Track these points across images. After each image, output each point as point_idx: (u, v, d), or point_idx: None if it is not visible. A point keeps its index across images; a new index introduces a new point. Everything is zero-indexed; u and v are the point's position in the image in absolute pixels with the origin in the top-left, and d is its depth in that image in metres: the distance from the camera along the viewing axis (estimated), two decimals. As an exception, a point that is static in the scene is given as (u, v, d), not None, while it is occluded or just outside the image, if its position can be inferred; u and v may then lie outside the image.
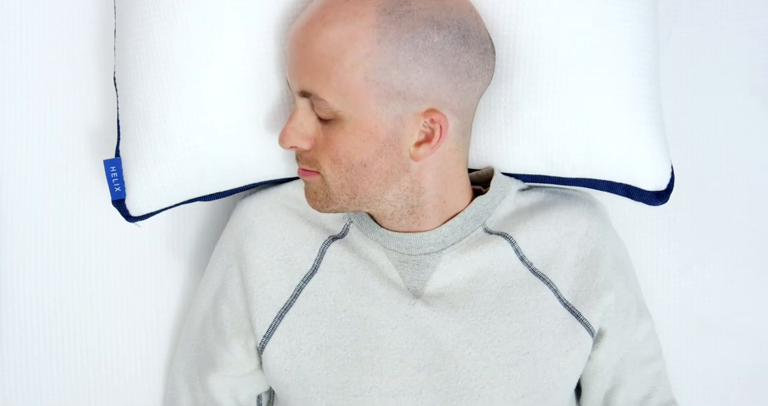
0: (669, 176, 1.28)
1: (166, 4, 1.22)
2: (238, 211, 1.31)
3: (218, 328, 1.28)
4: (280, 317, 1.23)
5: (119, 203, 1.30)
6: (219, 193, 1.33)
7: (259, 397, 1.36)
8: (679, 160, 1.41)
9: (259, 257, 1.25)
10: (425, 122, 1.13)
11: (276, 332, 1.23)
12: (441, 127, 1.13)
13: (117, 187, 1.29)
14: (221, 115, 1.24)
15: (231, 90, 1.23)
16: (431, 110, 1.13)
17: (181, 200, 1.32)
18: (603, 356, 1.27)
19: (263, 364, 1.25)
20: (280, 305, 1.24)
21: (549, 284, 1.22)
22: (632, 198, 1.29)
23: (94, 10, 1.38)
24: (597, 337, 1.26)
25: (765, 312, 1.43)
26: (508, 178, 1.27)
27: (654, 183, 1.27)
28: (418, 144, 1.14)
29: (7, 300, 1.39)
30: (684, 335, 1.43)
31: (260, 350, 1.25)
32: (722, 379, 1.43)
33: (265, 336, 1.24)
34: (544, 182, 1.30)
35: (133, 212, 1.30)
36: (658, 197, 1.28)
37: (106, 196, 1.40)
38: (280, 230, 1.26)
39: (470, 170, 1.31)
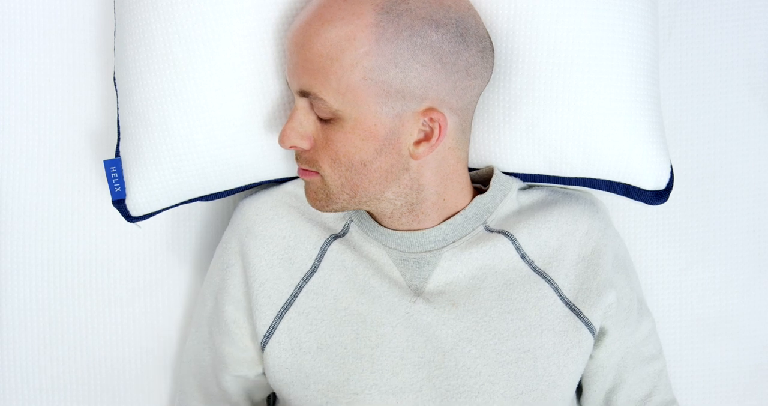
0: (668, 176, 1.28)
1: (165, 5, 1.22)
2: (240, 210, 1.31)
3: (225, 329, 1.28)
4: (280, 316, 1.24)
5: (119, 203, 1.30)
6: (219, 193, 1.34)
7: (268, 397, 1.36)
8: (679, 160, 1.41)
9: (259, 255, 1.25)
10: (424, 121, 1.14)
11: (276, 331, 1.23)
12: (440, 125, 1.13)
13: (117, 187, 1.29)
14: (221, 115, 1.24)
15: (231, 90, 1.23)
16: (430, 109, 1.13)
17: (182, 200, 1.32)
18: (604, 355, 1.27)
19: (264, 363, 1.25)
20: (280, 304, 1.24)
21: (550, 282, 1.22)
22: (632, 197, 1.29)
23: (94, 11, 1.39)
24: (599, 336, 1.26)
25: (765, 312, 1.43)
26: (508, 176, 1.27)
27: (653, 182, 1.27)
28: (418, 143, 1.15)
29: (7, 300, 1.39)
30: (684, 335, 1.43)
31: (261, 348, 1.25)
32: (723, 379, 1.43)
33: (265, 335, 1.24)
34: (543, 182, 1.31)
35: (134, 212, 1.31)
36: (658, 197, 1.28)
37: (107, 197, 1.41)
38: (280, 229, 1.26)
39: (470, 169, 1.31)
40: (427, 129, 1.14)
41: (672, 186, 1.29)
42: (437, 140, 1.14)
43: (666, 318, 1.42)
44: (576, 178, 1.29)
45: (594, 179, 1.29)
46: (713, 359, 1.43)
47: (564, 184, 1.30)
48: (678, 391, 1.42)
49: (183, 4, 1.22)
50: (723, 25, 1.41)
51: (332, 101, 1.12)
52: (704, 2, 1.41)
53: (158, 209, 1.32)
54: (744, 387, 1.43)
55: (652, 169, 1.26)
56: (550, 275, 1.22)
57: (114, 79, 1.32)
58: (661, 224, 1.42)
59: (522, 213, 1.25)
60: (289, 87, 1.23)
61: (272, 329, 1.24)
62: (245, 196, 1.34)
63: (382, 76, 1.10)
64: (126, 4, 1.26)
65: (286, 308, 1.24)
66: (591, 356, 1.27)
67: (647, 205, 1.34)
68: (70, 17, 1.38)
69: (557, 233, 1.24)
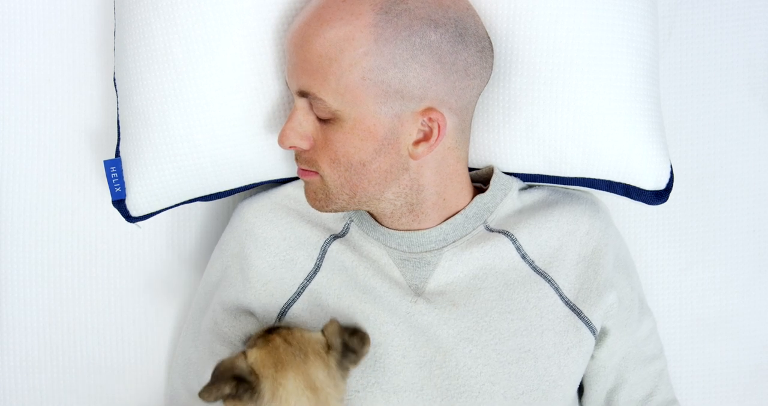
0: (668, 176, 1.28)
1: (165, 5, 1.22)
2: (238, 212, 1.31)
3: (215, 328, 1.28)
4: (282, 313, 1.24)
5: (119, 203, 1.30)
6: (219, 193, 1.34)
7: None
8: (679, 160, 1.41)
9: (261, 257, 1.25)
10: (423, 121, 1.14)
11: None
12: (439, 125, 1.14)
13: (117, 187, 1.29)
14: (221, 115, 1.24)
15: (231, 90, 1.24)
16: (429, 109, 1.13)
17: (182, 200, 1.32)
18: (606, 355, 1.27)
19: None
20: (283, 301, 1.24)
21: (550, 281, 1.22)
22: (631, 197, 1.29)
23: (94, 11, 1.39)
24: (600, 335, 1.26)
25: (765, 312, 1.43)
26: (508, 176, 1.28)
27: (653, 182, 1.27)
28: (417, 143, 1.15)
29: (7, 300, 1.39)
30: (684, 335, 1.43)
31: None
32: (723, 379, 1.43)
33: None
34: (543, 182, 1.30)
35: (134, 213, 1.31)
36: (658, 197, 1.28)
37: (107, 197, 1.40)
38: (280, 230, 1.26)
39: (470, 169, 1.31)
40: (426, 129, 1.14)
41: (672, 186, 1.29)
42: (436, 140, 1.14)
43: (666, 318, 1.42)
44: (576, 178, 1.29)
45: (594, 179, 1.29)
46: (713, 359, 1.43)
47: (564, 184, 1.30)
48: (678, 391, 1.42)
49: (184, 4, 1.22)
50: (723, 25, 1.41)
51: (331, 101, 1.12)
52: (704, 2, 1.41)
53: (158, 209, 1.32)
54: (744, 387, 1.43)
55: (652, 169, 1.26)
56: (550, 274, 1.22)
57: (114, 80, 1.32)
58: (661, 224, 1.42)
59: (523, 213, 1.25)
60: (288, 87, 1.23)
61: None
62: (244, 199, 1.34)
63: (380, 76, 1.10)
64: (126, 4, 1.26)
65: (288, 305, 1.24)
66: (592, 356, 1.27)
67: (647, 205, 1.34)
68: (70, 17, 1.38)
69: (558, 232, 1.24)
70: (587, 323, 1.22)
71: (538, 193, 1.28)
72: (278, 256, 1.25)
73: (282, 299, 1.24)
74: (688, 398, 1.43)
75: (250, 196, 1.34)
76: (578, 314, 1.22)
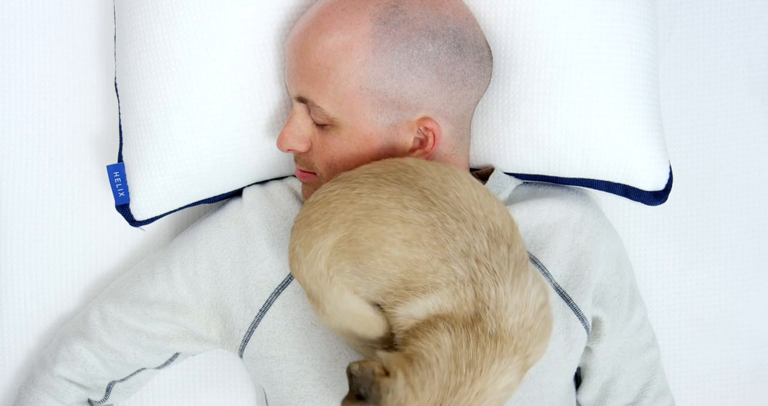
0: (667, 176, 1.28)
1: (166, 10, 1.22)
2: (247, 191, 1.30)
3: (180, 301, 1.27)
4: (277, 293, 1.23)
5: (123, 208, 1.31)
6: (221, 195, 1.34)
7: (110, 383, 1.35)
8: (678, 160, 1.41)
9: (260, 233, 1.25)
10: (419, 129, 1.14)
11: (272, 306, 1.23)
12: (434, 134, 1.14)
13: (121, 192, 1.29)
14: (224, 119, 1.25)
15: (233, 94, 1.24)
16: (425, 118, 1.13)
17: (185, 204, 1.33)
18: (604, 346, 1.28)
19: (253, 338, 1.24)
20: (278, 282, 1.23)
21: (541, 267, 1.22)
22: (630, 198, 1.29)
23: (95, 12, 1.38)
24: (595, 327, 1.26)
25: (765, 312, 1.43)
26: (507, 175, 1.28)
27: (652, 183, 1.27)
28: (412, 150, 1.15)
29: (7, 301, 1.40)
30: (684, 335, 1.43)
31: (257, 322, 1.24)
32: (722, 379, 1.44)
33: (261, 310, 1.24)
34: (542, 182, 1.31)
35: (138, 217, 1.31)
36: (657, 197, 1.28)
37: (107, 197, 1.40)
38: (284, 210, 1.26)
39: (472, 170, 1.31)
40: (422, 137, 1.15)
41: (671, 186, 1.28)
42: (431, 149, 1.15)
43: (666, 318, 1.42)
44: (575, 178, 1.29)
45: (593, 180, 1.29)
46: (713, 359, 1.43)
47: (563, 184, 1.30)
48: (678, 391, 1.43)
49: (185, 9, 1.22)
50: (723, 25, 1.41)
51: (328, 109, 1.13)
52: (704, 2, 1.40)
53: (162, 212, 1.32)
54: (744, 387, 1.44)
55: (651, 169, 1.26)
56: (540, 260, 1.22)
57: (115, 85, 1.33)
58: (661, 224, 1.43)
59: (515, 203, 1.25)
60: (288, 92, 1.23)
61: (268, 304, 1.23)
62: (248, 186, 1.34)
63: (378, 85, 1.11)
64: (127, 9, 1.26)
65: (283, 286, 1.23)
66: (589, 349, 1.28)
67: (646, 205, 1.34)
68: (71, 22, 1.38)
69: (549, 220, 1.24)
70: (576, 311, 1.22)
71: (532, 187, 1.29)
72: (277, 235, 1.24)
73: (277, 280, 1.23)
74: (688, 398, 1.43)
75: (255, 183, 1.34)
76: (567, 300, 1.22)
